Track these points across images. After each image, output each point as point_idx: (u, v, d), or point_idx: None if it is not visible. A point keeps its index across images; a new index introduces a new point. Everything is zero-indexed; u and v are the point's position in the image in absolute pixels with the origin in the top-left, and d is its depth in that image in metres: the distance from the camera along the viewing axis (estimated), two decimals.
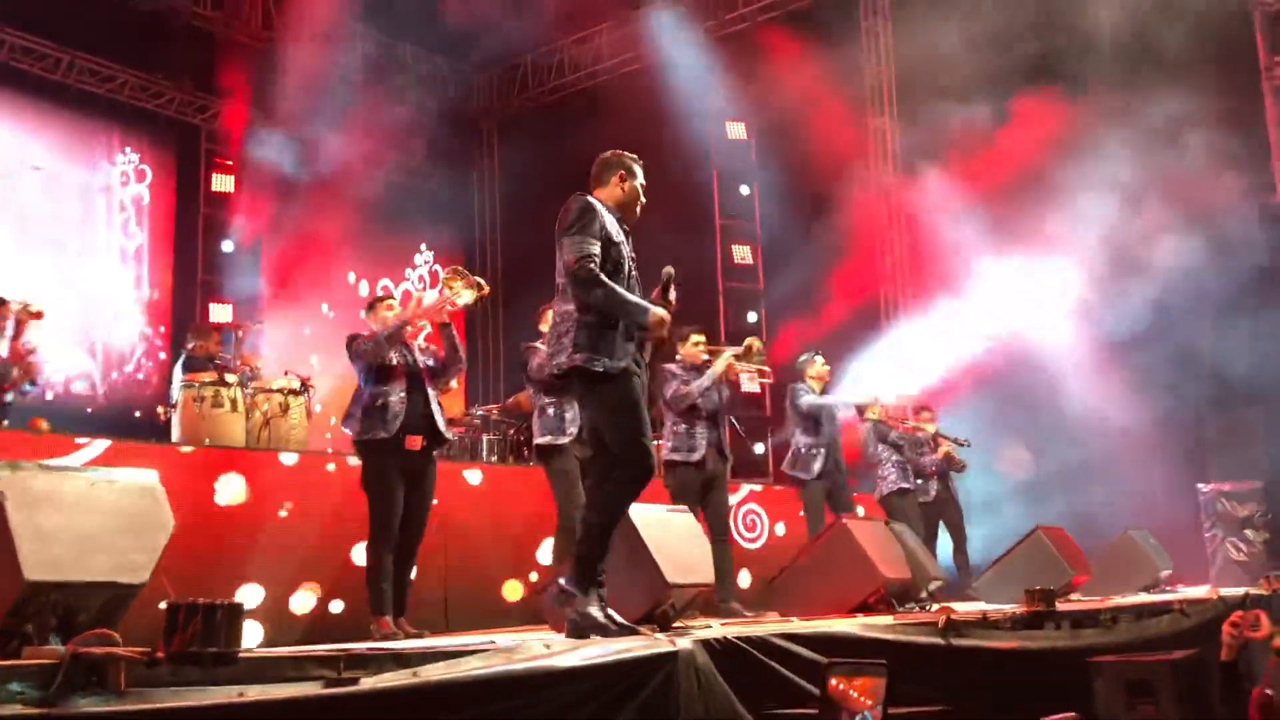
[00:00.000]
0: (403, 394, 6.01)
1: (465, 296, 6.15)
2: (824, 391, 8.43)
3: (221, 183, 12.97)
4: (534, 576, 7.48)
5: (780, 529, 9.63)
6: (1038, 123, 10.10)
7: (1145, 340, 10.17)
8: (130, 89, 12.30)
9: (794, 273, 11.78)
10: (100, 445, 5.77)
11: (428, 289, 14.57)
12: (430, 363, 6.25)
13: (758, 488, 9.76)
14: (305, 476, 6.67)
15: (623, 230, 4.66)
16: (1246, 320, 10.26)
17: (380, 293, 14.05)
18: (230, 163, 13.03)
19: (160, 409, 8.11)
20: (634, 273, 4.64)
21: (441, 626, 6.73)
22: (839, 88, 12.05)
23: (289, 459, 6.63)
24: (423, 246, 15.11)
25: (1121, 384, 10.15)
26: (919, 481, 9.62)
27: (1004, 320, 10.59)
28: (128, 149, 12.40)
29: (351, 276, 14.17)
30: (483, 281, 6.27)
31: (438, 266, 15.15)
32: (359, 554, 6.30)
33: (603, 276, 4.42)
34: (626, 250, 4.62)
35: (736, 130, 13.40)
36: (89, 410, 11.30)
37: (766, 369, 7.66)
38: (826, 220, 11.77)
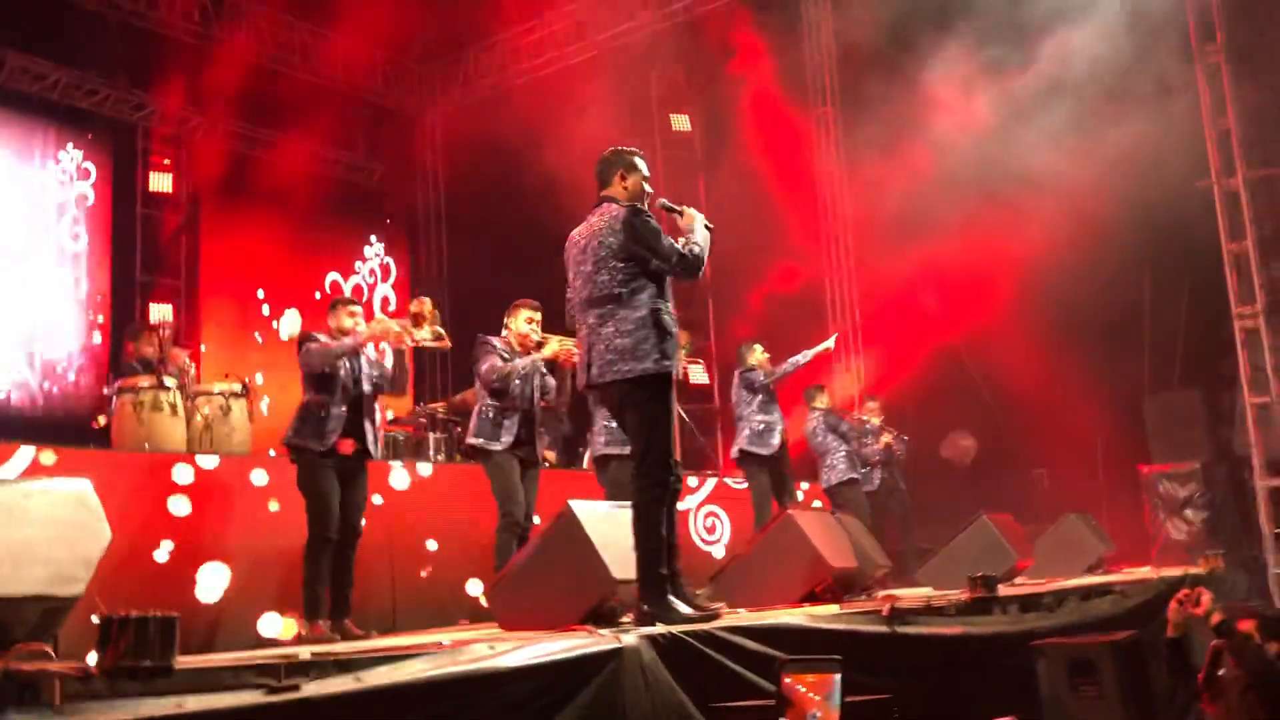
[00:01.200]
0: (343, 408, 6.08)
1: (424, 335, 6.24)
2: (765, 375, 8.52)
3: (160, 181, 12.76)
4: (477, 580, 7.40)
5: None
6: (976, 106, 10.19)
7: (1085, 323, 10.32)
8: (64, 88, 12.06)
9: (739, 264, 11.82)
10: (28, 454, 5.65)
11: (377, 311, 14.45)
12: (376, 377, 6.28)
13: (711, 483, 9.66)
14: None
15: None
16: (1184, 303, 10.46)
17: (329, 289, 13.94)
18: (168, 161, 12.82)
19: (101, 417, 8.00)
20: None
21: (390, 626, 6.71)
22: (783, 77, 12.10)
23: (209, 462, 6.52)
24: (372, 239, 14.98)
25: (1062, 368, 10.27)
26: (864, 470, 9.74)
27: (945, 305, 10.71)
28: (69, 145, 12.15)
29: (263, 297, 13.93)
30: (444, 333, 6.30)
31: (390, 259, 15.05)
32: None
33: (685, 250, 4.77)
34: None
35: (681, 122, 13.42)
36: (25, 416, 11.07)
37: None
38: (772, 211, 11.81)
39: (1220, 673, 3.79)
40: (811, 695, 1.50)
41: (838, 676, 1.60)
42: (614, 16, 13.32)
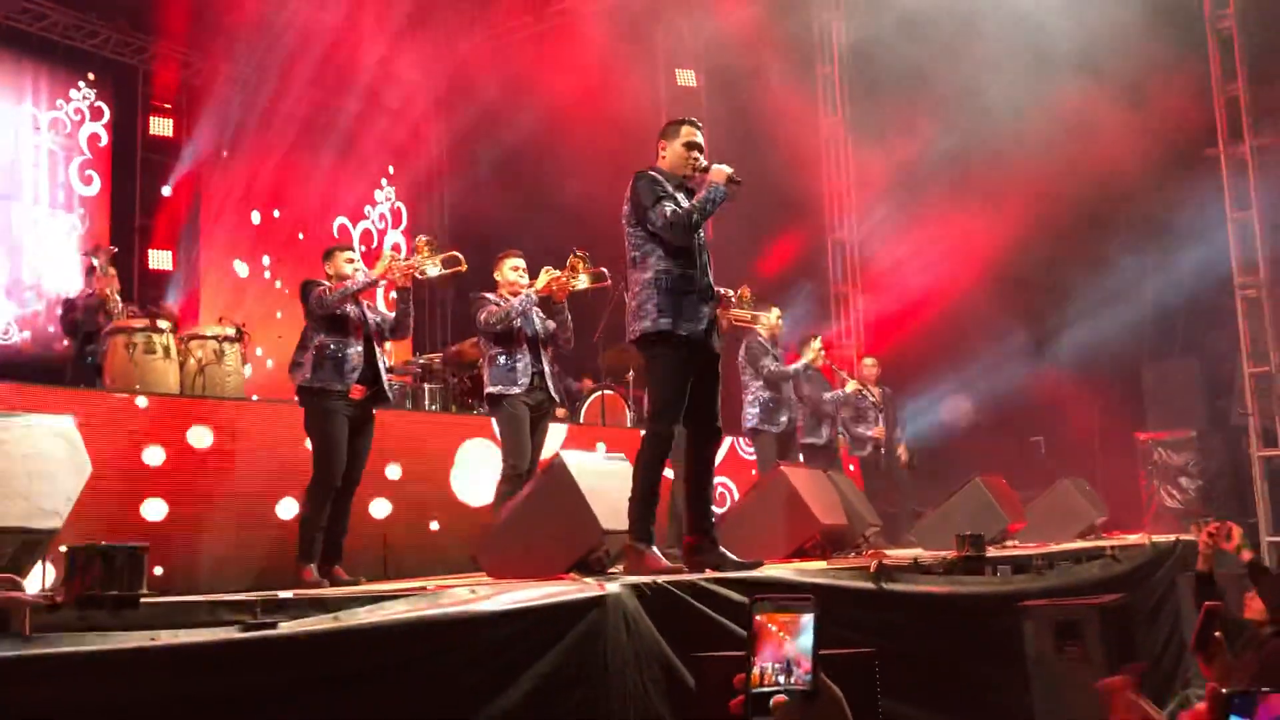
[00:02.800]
0: (359, 348, 6.08)
1: (432, 270, 6.24)
2: (773, 340, 8.49)
3: (160, 126, 12.68)
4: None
5: None
6: (983, 66, 10.08)
7: (1084, 290, 10.27)
8: (63, 29, 11.94)
9: (742, 222, 11.75)
10: None
11: (391, 252, 14.39)
12: (380, 321, 6.27)
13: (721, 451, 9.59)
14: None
15: (680, 191, 4.99)
16: (1185, 271, 10.39)
17: (336, 233, 13.89)
18: (168, 105, 12.73)
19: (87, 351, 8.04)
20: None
21: (380, 576, 6.72)
22: (788, 35, 11.98)
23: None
24: (383, 182, 14.91)
25: (1060, 334, 10.24)
26: (856, 434, 9.74)
27: (945, 268, 10.65)
28: (81, 84, 12.07)
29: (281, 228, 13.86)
30: (460, 256, 6.30)
31: (400, 204, 15.00)
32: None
33: (682, 209, 4.84)
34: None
35: (686, 78, 13.29)
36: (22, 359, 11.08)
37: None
38: (776, 168, 11.73)
39: (1216, 634, 3.77)
40: (782, 635, 1.46)
41: (810, 617, 1.56)
42: None
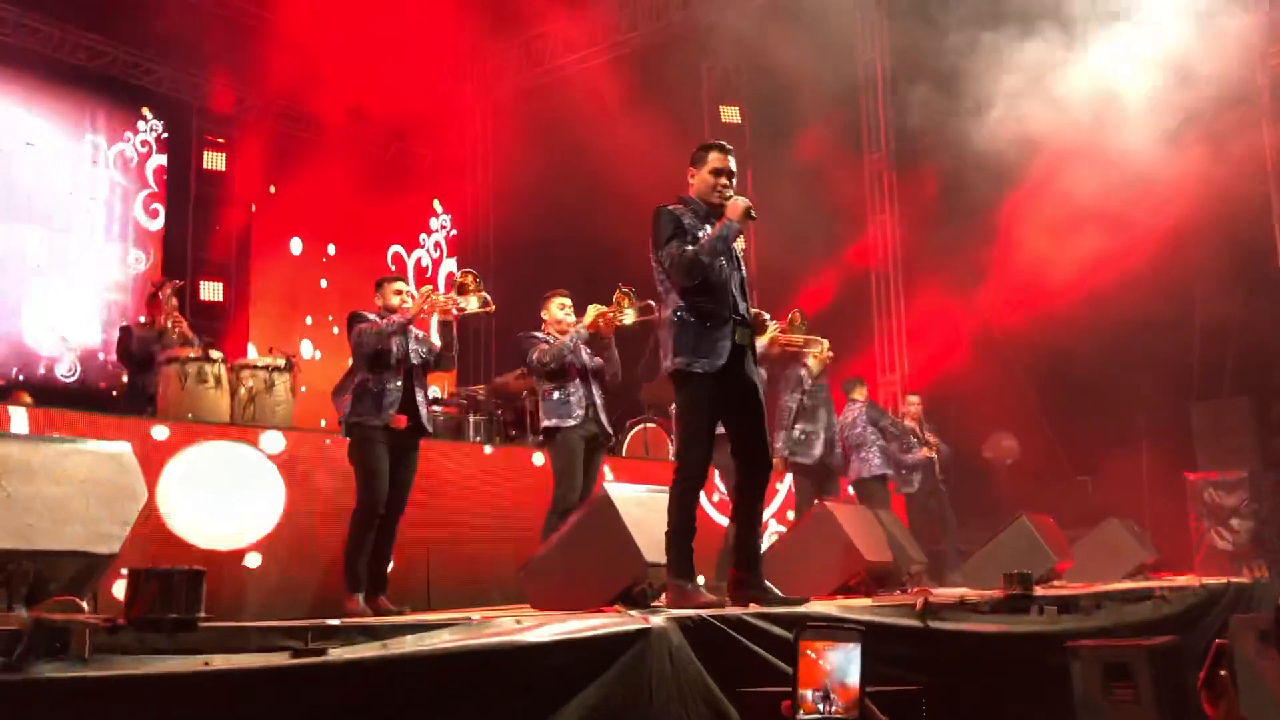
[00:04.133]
0: (399, 382, 6.15)
1: (471, 305, 6.35)
2: (821, 374, 8.50)
3: (214, 160, 12.94)
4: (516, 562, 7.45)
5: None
6: (1027, 102, 10.06)
7: (1135, 328, 10.17)
8: (122, 65, 12.22)
9: (788, 256, 11.75)
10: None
11: (435, 288, 14.53)
12: (425, 354, 6.35)
13: None
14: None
15: (705, 218, 4.96)
16: (1236, 310, 10.28)
17: (391, 265, 14.06)
18: (222, 140, 12.97)
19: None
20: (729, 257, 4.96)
21: (424, 606, 6.75)
22: (833, 70, 12.01)
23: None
24: (438, 207, 15.10)
25: (1108, 372, 10.14)
26: (903, 473, 9.69)
27: (995, 304, 10.59)
28: (141, 121, 12.36)
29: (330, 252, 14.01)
30: (489, 298, 6.39)
31: (455, 231, 15.20)
32: None
33: (690, 251, 4.78)
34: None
35: (730, 114, 13.37)
36: (70, 384, 11.28)
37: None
38: (820, 203, 11.75)
39: (1222, 672, 3.70)
40: (824, 664, 1.47)
41: (855, 647, 1.56)
42: (665, 6, 13.32)
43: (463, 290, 6.34)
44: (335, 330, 12.66)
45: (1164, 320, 10.19)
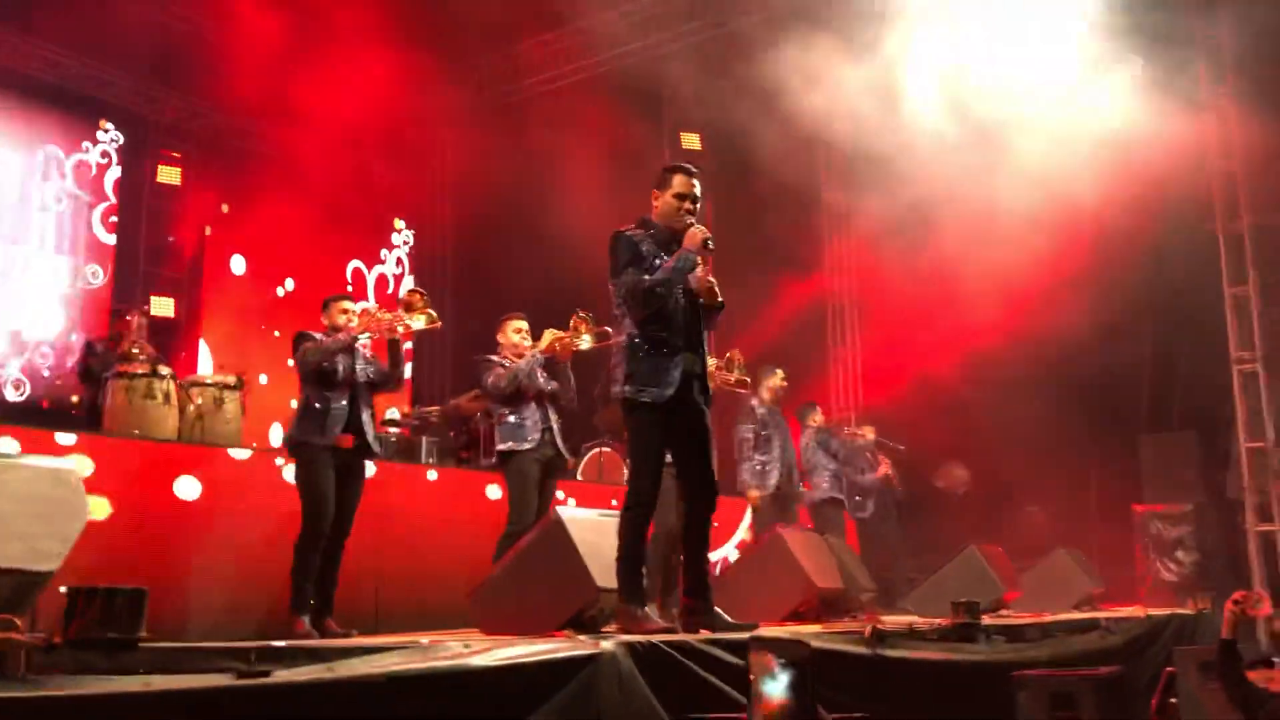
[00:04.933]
0: (344, 402, 6.10)
1: (418, 323, 6.29)
2: (775, 403, 8.55)
3: (168, 174, 12.79)
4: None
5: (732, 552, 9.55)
6: (982, 138, 10.19)
7: (1082, 361, 10.30)
8: (77, 76, 12.08)
9: (745, 284, 11.81)
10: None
11: (377, 305, 14.45)
12: (372, 373, 6.30)
13: None
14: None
15: (666, 243, 4.92)
16: (1183, 344, 10.45)
17: (349, 282, 13.94)
18: (177, 155, 12.84)
19: (75, 397, 8.08)
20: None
21: (372, 629, 6.67)
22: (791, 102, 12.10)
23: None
24: (400, 225, 15.01)
25: (1058, 404, 10.25)
26: (857, 498, 9.74)
27: (941, 336, 10.69)
28: (100, 132, 12.20)
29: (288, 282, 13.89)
30: (435, 315, 6.36)
31: (415, 247, 15.11)
32: None
33: (644, 282, 4.76)
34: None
35: (691, 141, 13.44)
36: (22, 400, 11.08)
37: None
38: (778, 232, 11.83)
39: (1172, 700, 3.77)
40: (773, 677, 1.48)
41: (798, 661, 1.57)
42: (627, 33, 13.36)
43: (409, 308, 6.28)
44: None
45: (1113, 354, 10.35)
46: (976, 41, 10.25)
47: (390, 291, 14.53)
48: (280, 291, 13.31)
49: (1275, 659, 5.39)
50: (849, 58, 11.52)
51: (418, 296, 6.32)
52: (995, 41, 10.20)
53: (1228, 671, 5.30)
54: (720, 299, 4.98)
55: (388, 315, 6.25)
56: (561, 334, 6.47)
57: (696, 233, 4.87)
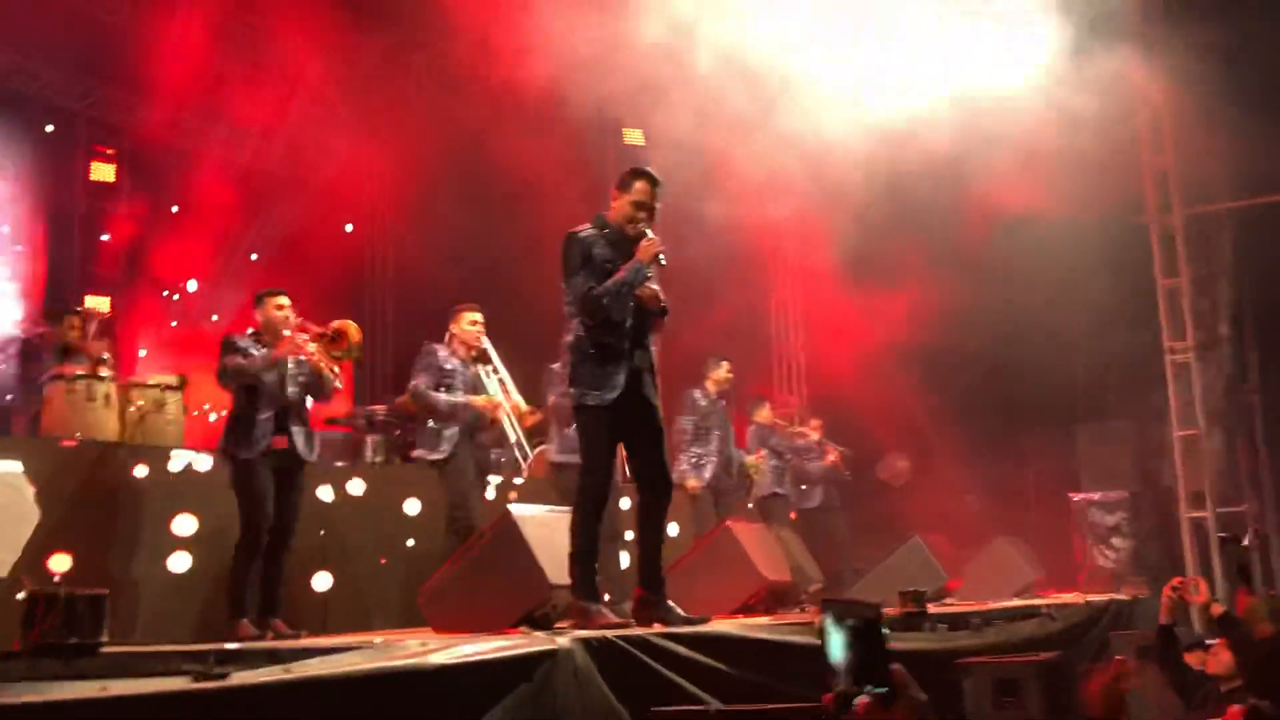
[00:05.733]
0: (269, 414, 6.03)
1: (337, 357, 6.24)
2: (721, 397, 8.58)
3: (101, 172, 12.54)
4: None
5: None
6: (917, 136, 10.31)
7: (1021, 353, 10.49)
8: (5, 72, 11.80)
9: (687, 279, 11.85)
10: None
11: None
12: (303, 380, 6.20)
13: None
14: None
15: (620, 245, 4.93)
16: (1119, 335, 10.68)
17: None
18: (111, 151, 12.59)
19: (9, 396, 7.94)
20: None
21: (320, 630, 6.62)
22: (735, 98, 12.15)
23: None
24: (348, 230, 14.85)
25: (996, 396, 10.44)
26: (803, 488, 9.82)
27: (881, 327, 10.79)
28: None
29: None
30: (359, 354, 6.38)
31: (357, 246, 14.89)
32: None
33: (594, 291, 4.79)
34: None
35: (634, 136, 13.44)
36: None
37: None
38: (720, 225, 11.87)
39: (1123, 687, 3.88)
40: (847, 639, 1.54)
41: (875, 623, 1.64)
42: (569, 26, 13.32)
43: (338, 340, 6.20)
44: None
45: (1051, 347, 10.54)
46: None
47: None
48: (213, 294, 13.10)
49: (1209, 641, 5.55)
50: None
51: (350, 331, 6.24)
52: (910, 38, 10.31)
53: (1167, 656, 5.45)
54: (665, 304, 5.00)
55: (313, 346, 6.13)
56: (495, 406, 6.63)
57: (651, 247, 4.88)
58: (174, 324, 12.81)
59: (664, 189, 5.12)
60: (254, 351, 6.07)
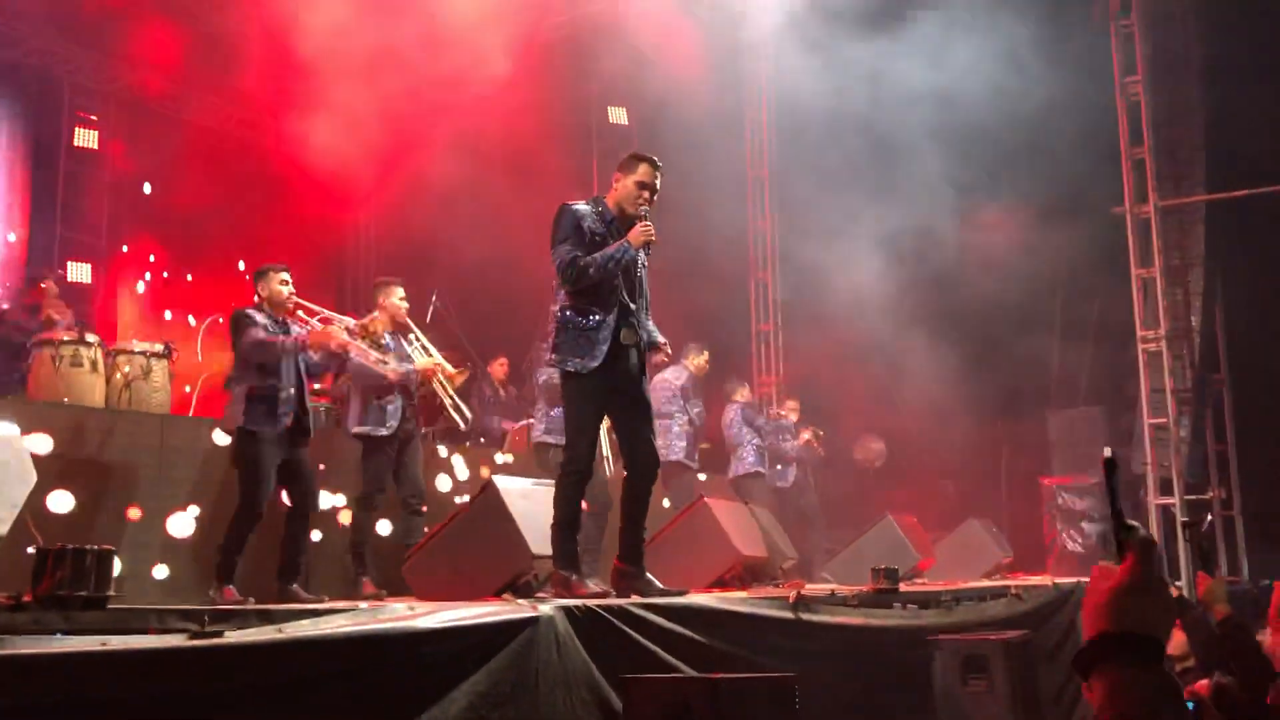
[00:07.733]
0: (291, 390, 6.12)
1: (364, 347, 6.52)
2: (696, 380, 8.73)
3: (85, 137, 12.49)
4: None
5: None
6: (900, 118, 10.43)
7: (996, 338, 10.63)
8: None
9: (668, 259, 11.92)
10: None
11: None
12: (312, 357, 6.31)
13: None
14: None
15: (617, 223, 5.06)
16: (1091, 321, 10.84)
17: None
18: (94, 117, 12.54)
19: None
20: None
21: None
22: (719, 77, 12.21)
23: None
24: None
25: (970, 380, 10.57)
26: (778, 467, 9.95)
27: (857, 312, 10.91)
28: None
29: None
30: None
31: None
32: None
33: (580, 259, 4.88)
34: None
35: (618, 115, 13.49)
36: None
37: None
38: (702, 207, 11.95)
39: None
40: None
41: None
42: (554, 4, 13.36)
43: (366, 332, 6.53)
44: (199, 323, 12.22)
45: (1023, 333, 10.69)
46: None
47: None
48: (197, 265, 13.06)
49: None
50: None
51: (379, 328, 6.57)
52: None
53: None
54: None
55: (345, 337, 6.35)
56: (441, 369, 7.04)
57: (643, 233, 4.99)
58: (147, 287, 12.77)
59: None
60: (270, 326, 6.16)
